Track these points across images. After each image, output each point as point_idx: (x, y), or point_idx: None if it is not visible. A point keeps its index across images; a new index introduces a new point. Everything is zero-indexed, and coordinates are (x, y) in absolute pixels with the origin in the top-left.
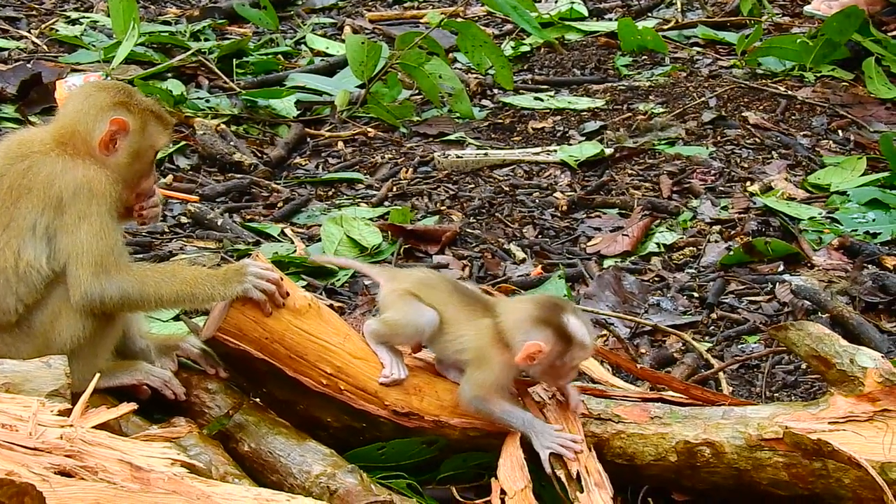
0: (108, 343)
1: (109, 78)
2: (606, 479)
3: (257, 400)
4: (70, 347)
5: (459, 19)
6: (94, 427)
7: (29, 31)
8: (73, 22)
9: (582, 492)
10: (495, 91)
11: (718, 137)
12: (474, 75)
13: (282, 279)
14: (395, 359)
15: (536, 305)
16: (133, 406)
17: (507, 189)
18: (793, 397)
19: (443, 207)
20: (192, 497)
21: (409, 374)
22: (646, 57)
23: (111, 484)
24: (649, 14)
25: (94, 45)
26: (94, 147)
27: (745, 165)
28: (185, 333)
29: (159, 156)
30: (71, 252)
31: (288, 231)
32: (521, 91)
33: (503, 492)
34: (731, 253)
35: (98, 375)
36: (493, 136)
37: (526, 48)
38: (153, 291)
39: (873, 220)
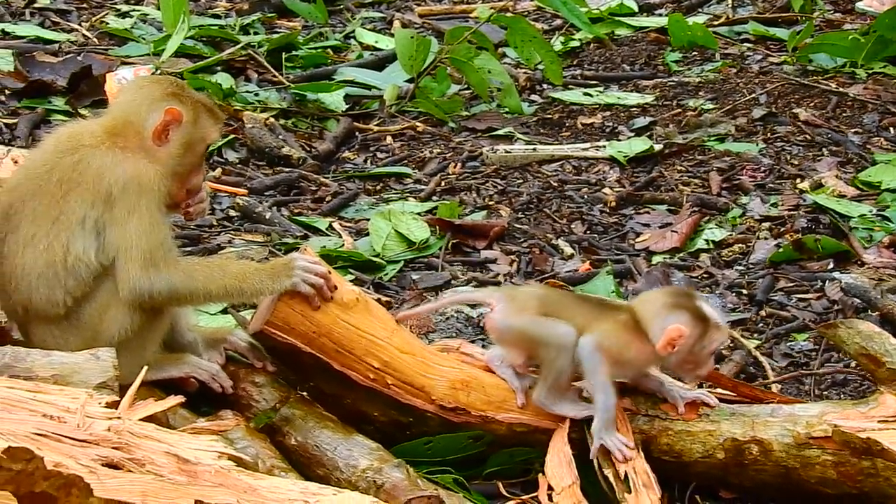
0: (156, 336)
1: (159, 71)
2: (654, 481)
3: (304, 394)
4: (118, 340)
5: (509, 14)
6: (141, 419)
7: (79, 24)
8: (124, 15)
9: (630, 492)
10: (544, 86)
11: (768, 134)
12: (523, 70)
13: (330, 273)
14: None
15: (671, 294)
16: (180, 399)
17: (555, 184)
18: (842, 395)
19: (491, 202)
20: (239, 490)
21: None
22: (696, 53)
23: (158, 476)
24: (700, 9)
25: (144, 39)
26: (147, 137)
27: (795, 162)
28: (233, 327)
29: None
30: (120, 246)
31: (336, 225)
32: (570, 86)
33: (550, 487)
34: (781, 250)
35: (146, 368)
36: (541, 131)
37: (575, 43)
38: (201, 286)
39: None
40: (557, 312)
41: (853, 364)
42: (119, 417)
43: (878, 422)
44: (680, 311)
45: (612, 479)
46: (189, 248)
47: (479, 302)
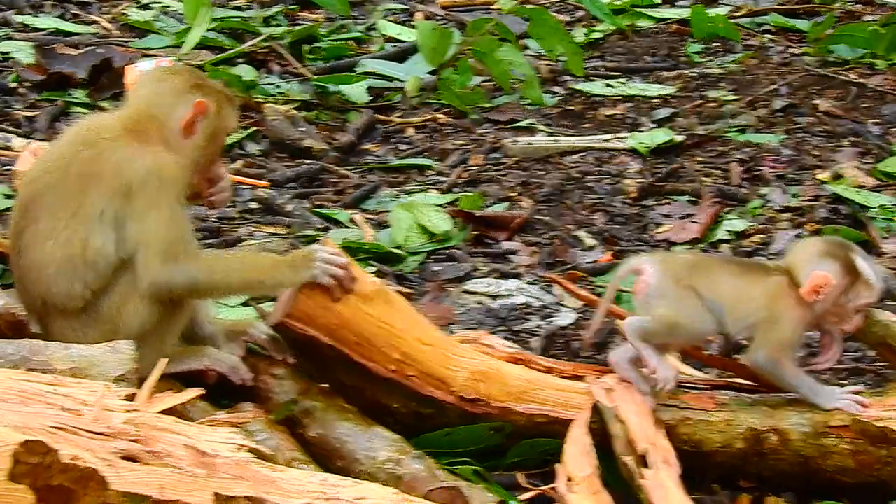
0: (176, 329)
1: (180, 63)
2: (674, 457)
3: (325, 385)
4: (137, 333)
5: (531, 6)
6: (160, 412)
7: (100, 16)
8: (145, 7)
9: (648, 468)
10: (566, 78)
11: (789, 125)
12: (545, 62)
13: (350, 265)
14: (663, 361)
15: (825, 242)
16: (199, 391)
17: (576, 176)
18: (860, 384)
19: (512, 194)
20: (258, 482)
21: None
22: (717, 44)
23: (176, 469)
24: (721, 1)
25: (165, 31)
26: (176, 131)
27: (816, 153)
28: (253, 319)
29: (229, 140)
30: (139, 240)
31: (357, 217)
32: (591, 78)
33: (570, 477)
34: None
35: (164, 360)
36: (563, 122)
37: (597, 35)
38: (221, 279)
39: None
40: (706, 283)
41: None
42: (137, 410)
43: None
44: (831, 260)
45: (632, 463)
46: (210, 241)
47: (633, 269)
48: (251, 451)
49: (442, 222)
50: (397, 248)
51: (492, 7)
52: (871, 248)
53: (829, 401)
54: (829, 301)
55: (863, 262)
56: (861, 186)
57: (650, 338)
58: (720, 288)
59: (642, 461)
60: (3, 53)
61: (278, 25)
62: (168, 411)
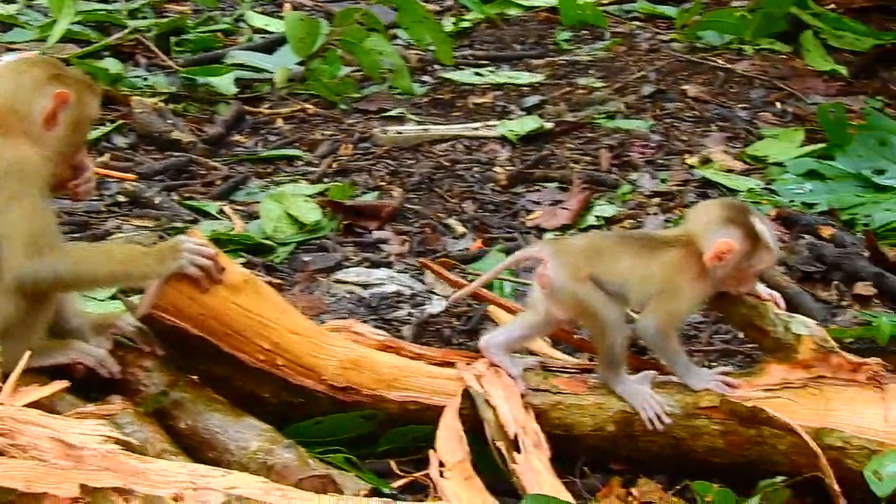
0: (41, 323)
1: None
2: (544, 440)
3: (194, 377)
4: (2, 327)
5: None
6: (25, 405)
7: None
8: (9, 1)
9: (519, 452)
10: (435, 67)
11: (657, 111)
12: (414, 51)
13: (217, 255)
14: (648, 400)
15: (726, 207)
16: (64, 384)
17: (446, 164)
18: (730, 366)
19: (382, 183)
20: (127, 474)
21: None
22: (586, 31)
23: (42, 461)
24: None
25: (29, 24)
26: (37, 123)
27: (684, 138)
28: (121, 311)
29: (93, 132)
30: (2, 233)
31: (226, 209)
32: (461, 66)
33: (442, 463)
34: (671, 225)
35: (29, 354)
36: (433, 111)
37: (466, 24)
38: (87, 271)
39: (810, 191)
40: (604, 266)
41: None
42: (2, 404)
43: (764, 390)
44: (733, 226)
45: (504, 448)
46: (77, 235)
47: (529, 258)
48: (119, 442)
49: (312, 212)
50: (267, 238)
51: None
52: None
53: (699, 381)
54: (730, 267)
55: (762, 227)
56: (730, 171)
57: (613, 368)
58: (620, 268)
59: (514, 445)
60: None
61: (144, 18)
62: (33, 404)
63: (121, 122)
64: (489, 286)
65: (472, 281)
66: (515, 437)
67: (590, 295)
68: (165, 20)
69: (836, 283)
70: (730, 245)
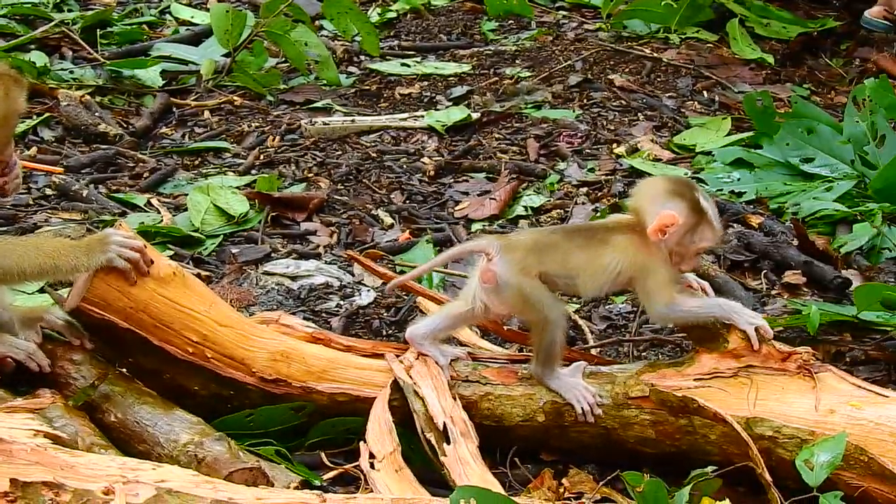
0: None
1: None
2: (472, 428)
3: (123, 370)
4: None
5: None
6: None
7: None
8: None
9: (448, 443)
10: (362, 58)
11: (584, 100)
12: (340, 42)
13: (145, 247)
14: (582, 392)
15: (670, 181)
16: None
17: (374, 155)
18: (660, 356)
19: (310, 174)
20: (56, 467)
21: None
22: (512, 21)
23: None
24: None
25: None
26: None
27: (612, 128)
28: (50, 305)
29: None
30: None
31: (154, 201)
32: (387, 57)
33: (372, 455)
34: (598, 214)
35: None
36: (360, 102)
37: (392, 14)
38: (14, 264)
39: (738, 180)
40: (558, 262)
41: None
42: None
43: (694, 380)
44: (677, 199)
45: (433, 440)
46: (5, 228)
47: (476, 251)
48: (48, 436)
49: (239, 204)
50: (195, 231)
51: None
52: None
53: (745, 318)
54: (673, 241)
55: (706, 203)
56: (657, 160)
57: (548, 364)
58: (573, 263)
59: (444, 436)
60: None
61: (70, 10)
62: None
63: (47, 115)
64: (419, 278)
65: (401, 272)
66: (445, 427)
67: (537, 292)
68: (91, 13)
69: (765, 271)
70: (673, 218)
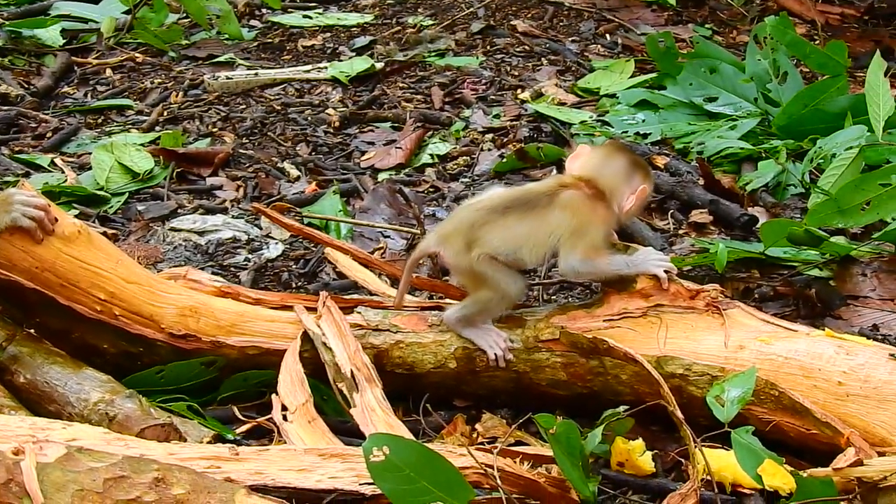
0: None
1: None
2: (374, 371)
3: (31, 330)
4: None
5: None
6: None
7: None
8: None
9: (358, 392)
10: (264, 11)
11: (488, 47)
12: None
13: (49, 206)
14: (487, 336)
15: (622, 152)
16: None
17: (278, 108)
18: (569, 298)
19: (214, 129)
20: None
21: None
22: None
23: None
24: None
25: None
26: None
27: (516, 73)
28: None
29: None
30: None
31: (58, 161)
32: (289, 10)
33: (284, 407)
34: (504, 160)
35: None
36: (263, 55)
37: None
38: None
39: (643, 121)
40: (499, 240)
41: None
42: None
43: (604, 321)
44: (641, 171)
45: (345, 389)
46: None
47: (425, 255)
48: None
49: (144, 161)
50: (100, 189)
51: None
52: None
53: (650, 266)
54: (636, 206)
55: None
56: (562, 104)
57: (470, 322)
58: (514, 237)
59: (354, 384)
60: None
61: None
62: None
63: None
64: (326, 229)
65: (309, 224)
66: (353, 376)
67: (489, 271)
68: None
69: (671, 211)
70: (645, 190)
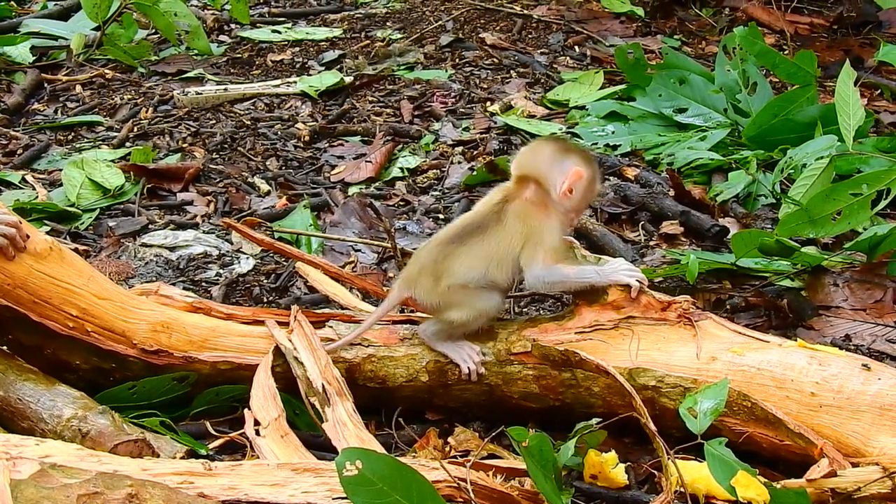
0: None
1: None
2: (344, 385)
3: (3, 347)
4: None
5: None
6: None
7: None
8: None
9: (329, 406)
10: (233, 26)
11: (457, 60)
12: (210, 11)
13: (21, 223)
14: (461, 351)
15: (552, 141)
16: None
17: (248, 123)
18: (540, 311)
19: (185, 145)
20: None
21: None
22: None
23: None
24: None
25: None
26: None
27: (485, 86)
28: None
29: None
30: None
31: (29, 178)
32: (258, 24)
33: (257, 422)
34: (475, 173)
35: None
36: (232, 70)
37: None
38: None
39: (613, 133)
40: (463, 271)
41: None
42: None
43: (576, 333)
44: (573, 155)
45: (317, 404)
46: None
47: (397, 304)
48: None
49: (115, 178)
50: (71, 206)
51: None
52: None
53: (621, 277)
54: (578, 197)
55: (588, 153)
56: (532, 116)
57: (446, 336)
58: (476, 261)
59: (326, 399)
60: None
61: None
62: None
63: None
64: (297, 243)
65: (279, 239)
66: (324, 390)
67: (463, 298)
68: None
69: (642, 223)
70: (579, 173)
